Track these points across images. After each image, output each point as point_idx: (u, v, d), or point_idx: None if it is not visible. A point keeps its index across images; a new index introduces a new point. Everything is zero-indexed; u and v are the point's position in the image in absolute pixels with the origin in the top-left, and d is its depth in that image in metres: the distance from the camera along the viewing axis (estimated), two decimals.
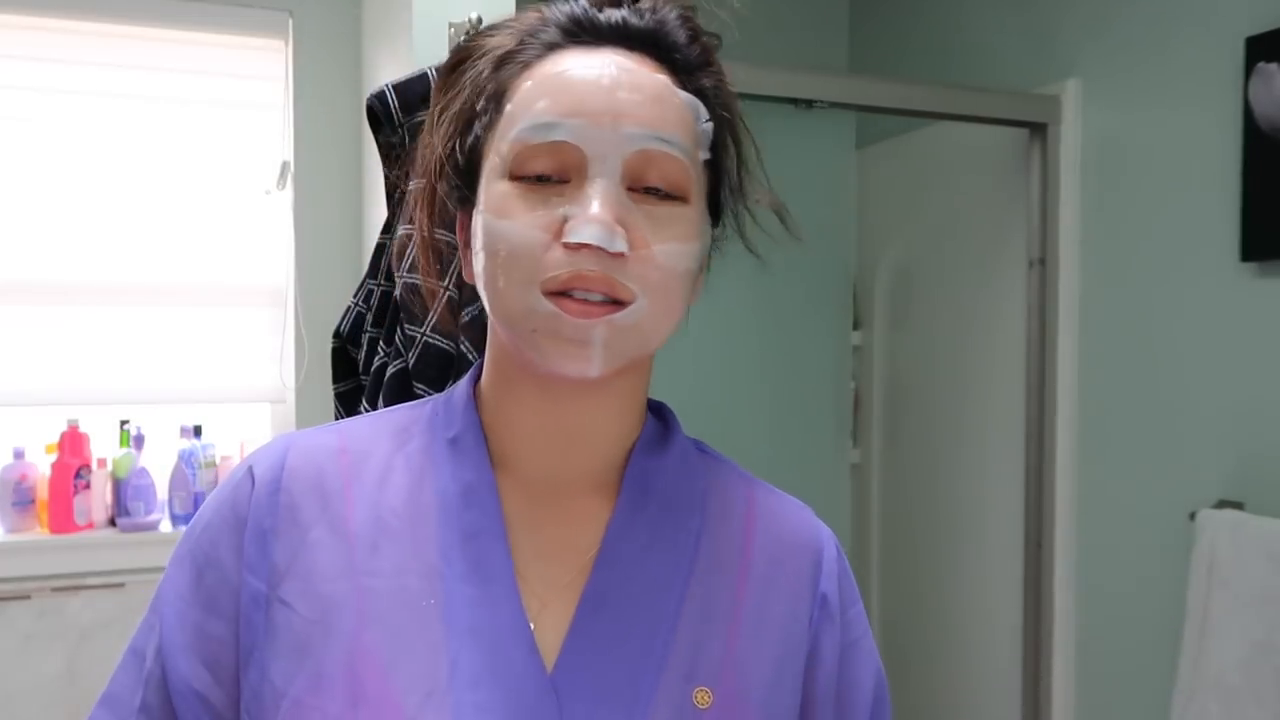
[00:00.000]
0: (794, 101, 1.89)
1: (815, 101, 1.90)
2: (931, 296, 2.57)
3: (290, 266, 2.47)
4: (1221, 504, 1.73)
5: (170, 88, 2.42)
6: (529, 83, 0.64)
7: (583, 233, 0.59)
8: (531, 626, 0.63)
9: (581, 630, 0.64)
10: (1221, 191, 1.76)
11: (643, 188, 0.63)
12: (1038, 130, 2.10)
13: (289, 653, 0.62)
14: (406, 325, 1.53)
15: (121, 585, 2.26)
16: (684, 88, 0.66)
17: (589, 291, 0.60)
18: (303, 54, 2.49)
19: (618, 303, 0.61)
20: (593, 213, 0.59)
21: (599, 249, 0.59)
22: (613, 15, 0.66)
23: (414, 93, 1.63)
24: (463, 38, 1.66)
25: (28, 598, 2.22)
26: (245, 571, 0.65)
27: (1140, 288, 1.94)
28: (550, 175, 0.62)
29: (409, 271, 1.52)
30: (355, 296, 1.73)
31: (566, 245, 0.60)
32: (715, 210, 0.71)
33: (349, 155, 2.50)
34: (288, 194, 2.48)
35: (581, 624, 0.64)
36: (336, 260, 2.47)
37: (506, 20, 0.70)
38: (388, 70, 2.05)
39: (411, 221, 0.74)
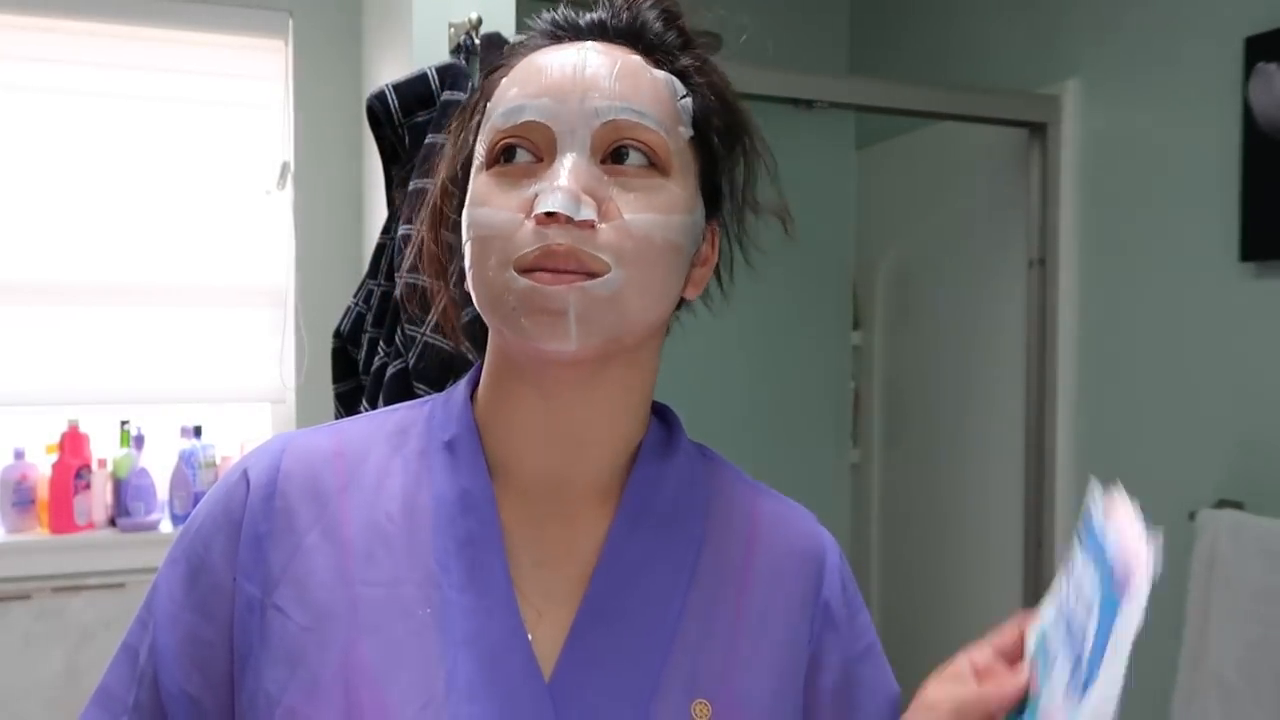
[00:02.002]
0: (794, 102, 1.89)
1: (815, 101, 1.90)
2: (931, 297, 2.57)
3: (290, 266, 2.47)
4: (1221, 504, 1.73)
5: (171, 88, 2.42)
6: (505, 79, 0.66)
7: (546, 201, 0.59)
8: (529, 636, 0.62)
9: (579, 641, 0.63)
10: (1221, 191, 1.76)
11: (617, 158, 0.62)
12: (1038, 130, 2.10)
13: (283, 660, 0.61)
14: (406, 325, 1.53)
15: (122, 585, 2.26)
16: (660, 67, 0.66)
17: (558, 266, 0.59)
18: (303, 54, 2.49)
19: (591, 275, 0.60)
20: (558, 183, 0.59)
21: (566, 220, 0.58)
22: (592, 16, 0.67)
23: (414, 93, 1.63)
24: (463, 37, 1.66)
25: (28, 598, 2.22)
26: (240, 577, 0.64)
27: (1140, 288, 1.94)
28: (521, 154, 0.62)
29: (411, 271, 1.52)
30: (355, 296, 1.73)
31: (536, 220, 0.59)
32: (714, 198, 0.70)
33: (349, 155, 2.50)
34: (288, 194, 2.48)
35: (579, 634, 0.63)
36: (336, 260, 2.47)
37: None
38: (388, 70, 2.05)
39: (411, 222, 0.74)
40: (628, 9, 0.67)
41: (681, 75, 0.67)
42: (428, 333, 1.51)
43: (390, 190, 1.70)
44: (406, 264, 1.53)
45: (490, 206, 0.62)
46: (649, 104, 0.63)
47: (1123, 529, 0.57)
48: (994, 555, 2.29)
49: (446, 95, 1.61)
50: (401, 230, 1.55)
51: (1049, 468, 2.11)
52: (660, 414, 0.73)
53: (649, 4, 0.68)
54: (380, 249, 1.68)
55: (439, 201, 0.71)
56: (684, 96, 0.66)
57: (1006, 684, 0.63)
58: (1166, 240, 1.88)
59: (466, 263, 0.64)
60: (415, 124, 1.62)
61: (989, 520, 2.32)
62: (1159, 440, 1.89)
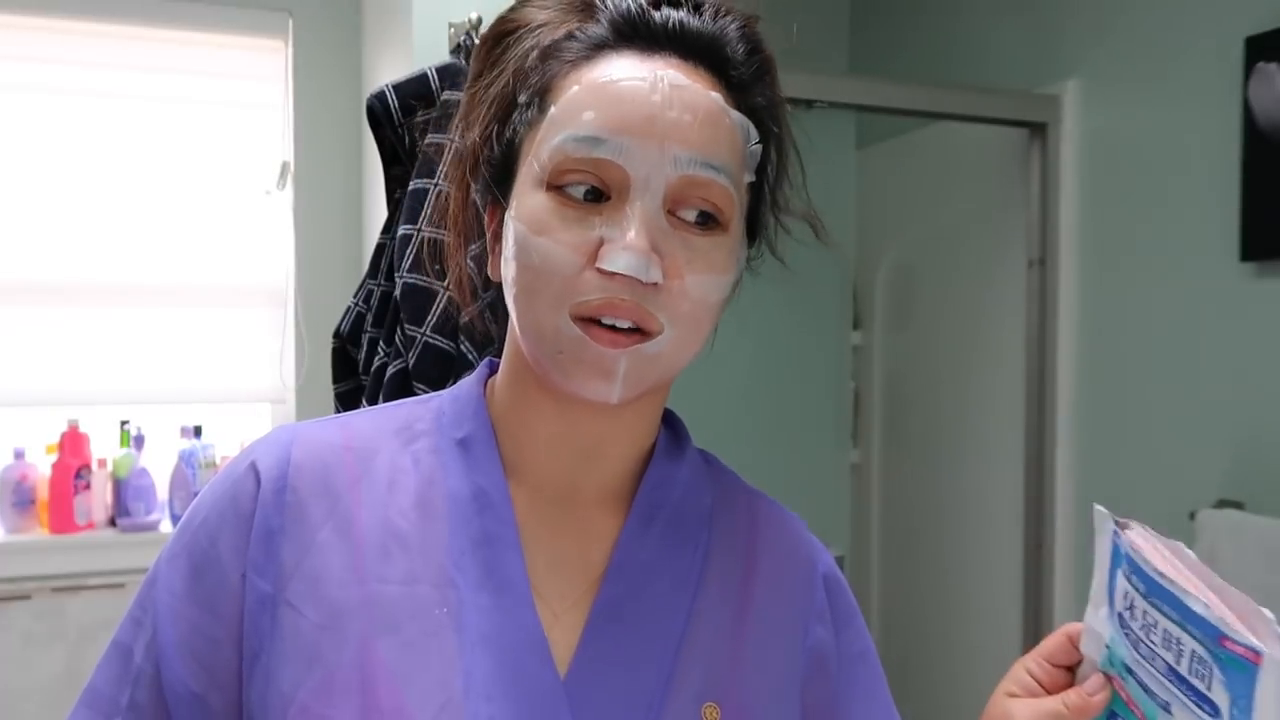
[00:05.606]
0: (794, 101, 1.88)
1: (815, 101, 1.90)
2: (931, 296, 2.57)
3: (290, 266, 2.47)
4: (1221, 504, 1.73)
5: (171, 88, 2.43)
6: (575, 87, 0.60)
7: (618, 261, 0.57)
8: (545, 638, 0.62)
9: (593, 642, 0.63)
10: (1221, 191, 1.76)
11: (683, 212, 0.60)
12: (1038, 130, 2.10)
13: (297, 658, 0.60)
14: (406, 325, 1.53)
15: (121, 585, 2.26)
16: (737, 105, 0.63)
17: (618, 319, 0.59)
18: (303, 54, 2.49)
19: (645, 332, 0.59)
20: (629, 240, 0.57)
21: (633, 278, 0.58)
22: (670, 16, 0.62)
23: (414, 93, 1.63)
24: (463, 37, 1.66)
25: (28, 598, 2.22)
26: (250, 573, 0.62)
27: (1140, 288, 1.94)
28: (588, 186, 0.59)
29: (411, 271, 1.52)
30: (355, 296, 1.73)
31: (600, 271, 0.58)
32: (753, 229, 0.69)
33: (349, 155, 2.50)
34: (288, 194, 2.48)
35: (593, 636, 0.63)
36: (336, 260, 2.47)
37: None
38: (388, 70, 2.05)
39: (426, 219, 0.73)
40: (714, 16, 0.64)
41: (753, 113, 0.64)
42: (428, 333, 1.51)
43: (390, 190, 1.70)
44: (407, 264, 1.53)
45: (549, 238, 0.59)
46: (725, 155, 0.61)
47: (1208, 595, 0.55)
48: (994, 555, 2.29)
49: (446, 95, 1.61)
50: (401, 230, 1.55)
51: (1049, 468, 2.11)
52: (665, 419, 0.73)
53: (735, 22, 0.64)
54: (380, 249, 1.68)
55: (472, 186, 0.68)
56: (755, 143, 0.64)
57: (1095, 699, 0.64)
58: (1166, 240, 1.88)
59: (511, 287, 0.62)
60: (416, 124, 1.62)
61: (989, 520, 2.32)
62: (1159, 440, 1.89)
